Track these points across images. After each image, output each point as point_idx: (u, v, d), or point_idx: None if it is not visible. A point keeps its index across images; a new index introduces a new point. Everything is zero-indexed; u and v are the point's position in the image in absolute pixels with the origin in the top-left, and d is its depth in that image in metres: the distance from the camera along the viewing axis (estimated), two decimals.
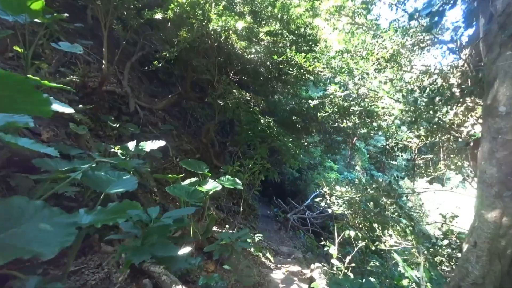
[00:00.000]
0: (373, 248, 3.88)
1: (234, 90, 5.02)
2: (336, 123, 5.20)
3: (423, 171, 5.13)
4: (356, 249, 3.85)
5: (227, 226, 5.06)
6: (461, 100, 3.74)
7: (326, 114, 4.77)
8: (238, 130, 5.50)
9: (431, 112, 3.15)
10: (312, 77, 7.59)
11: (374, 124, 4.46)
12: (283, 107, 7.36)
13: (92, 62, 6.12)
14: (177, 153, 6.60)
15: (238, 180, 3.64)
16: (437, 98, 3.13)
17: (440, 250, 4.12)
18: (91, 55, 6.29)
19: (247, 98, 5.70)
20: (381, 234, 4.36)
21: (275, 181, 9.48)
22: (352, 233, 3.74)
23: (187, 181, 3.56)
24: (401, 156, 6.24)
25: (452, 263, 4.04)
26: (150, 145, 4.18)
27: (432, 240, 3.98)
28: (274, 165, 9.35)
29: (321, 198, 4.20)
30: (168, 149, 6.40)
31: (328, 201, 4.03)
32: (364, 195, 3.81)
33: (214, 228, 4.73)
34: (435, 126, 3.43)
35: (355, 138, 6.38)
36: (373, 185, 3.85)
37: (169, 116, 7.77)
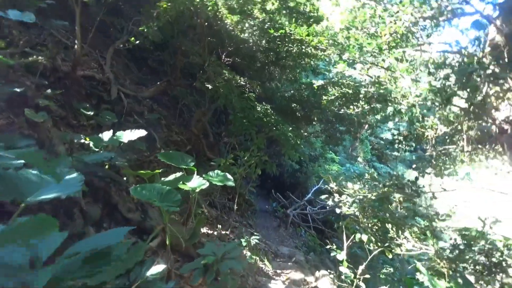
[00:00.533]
0: (390, 256, 3.34)
1: (225, 71, 4.37)
2: (342, 110, 4.59)
3: (440, 164, 4.55)
4: (370, 257, 3.32)
5: (219, 226, 4.53)
6: (494, 79, 3.13)
7: (333, 97, 4.15)
8: (232, 118, 4.91)
9: (469, 90, 2.54)
10: (312, 62, 6.92)
11: (390, 108, 3.86)
12: (281, 94, 6.72)
13: (70, 46, 5.45)
14: (165, 145, 6.01)
15: (229, 176, 3.06)
16: (474, 75, 2.52)
17: (463, 255, 3.59)
18: (70, 39, 5.62)
19: (242, 83, 5.06)
20: (395, 236, 3.83)
21: (274, 173, 8.92)
22: (365, 237, 3.20)
23: (171, 177, 3.00)
24: (409, 147, 5.64)
25: (476, 269, 3.52)
26: (128, 135, 3.61)
27: (457, 244, 3.44)
28: (272, 157, 8.77)
29: (327, 196, 3.65)
30: (156, 140, 5.81)
31: (336, 199, 3.48)
32: (382, 193, 3.25)
33: (205, 230, 4.20)
34: (469, 110, 2.83)
35: (366, 126, 5.80)
36: (394, 182, 3.28)
37: (158, 105, 7.11)
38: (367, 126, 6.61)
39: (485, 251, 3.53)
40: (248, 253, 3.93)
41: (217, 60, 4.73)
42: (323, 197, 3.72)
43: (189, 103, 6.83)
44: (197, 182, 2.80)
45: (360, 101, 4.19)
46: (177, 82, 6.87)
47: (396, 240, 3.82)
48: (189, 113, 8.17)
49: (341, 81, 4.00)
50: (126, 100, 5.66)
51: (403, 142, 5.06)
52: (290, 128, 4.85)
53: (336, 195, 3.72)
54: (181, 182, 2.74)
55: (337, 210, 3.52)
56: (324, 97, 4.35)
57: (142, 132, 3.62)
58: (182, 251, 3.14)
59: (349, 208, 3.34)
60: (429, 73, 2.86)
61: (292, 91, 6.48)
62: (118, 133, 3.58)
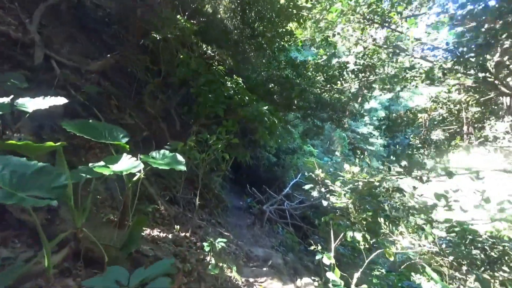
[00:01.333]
0: (392, 258, 2.70)
1: (179, 17, 3.41)
2: (325, 92, 3.91)
3: (432, 149, 4.05)
4: (368, 260, 2.65)
5: (178, 226, 3.59)
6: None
7: (319, 60, 3.43)
8: (193, 91, 3.97)
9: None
10: (292, 40, 6.20)
11: (391, 71, 3.20)
12: (258, 73, 5.89)
13: None
14: None
15: (179, 158, 2.16)
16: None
17: (458, 250, 3.11)
18: None
19: (209, 52, 4.13)
20: (388, 232, 3.23)
21: (249, 166, 8.09)
22: (359, 236, 2.52)
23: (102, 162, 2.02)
24: (398, 132, 5.16)
25: (477, 264, 3.08)
26: (37, 103, 2.55)
27: (456, 239, 2.92)
28: (247, 148, 7.95)
29: (311, 186, 2.93)
30: (100, 120, 4.67)
31: (323, 190, 2.77)
32: (383, 178, 2.59)
33: (156, 232, 3.24)
34: (485, 75, 2.25)
35: (348, 112, 5.22)
36: (401, 161, 2.63)
37: (111, 84, 5.89)
38: (348, 113, 6.08)
39: (485, 245, 3.08)
40: (212, 260, 3.07)
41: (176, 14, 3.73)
42: (307, 187, 2.98)
43: (146, 80, 5.69)
44: (127, 164, 1.86)
45: (350, 74, 3.52)
46: (134, 56, 5.71)
47: (390, 236, 3.23)
48: (150, 96, 7.00)
49: (330, 39, 3.29)
50: (59, 70, 4.43)
51: (392, 127, 4.51)
52: (266, 107, 4.04)
53: (322, 185, 3.00)
54: (101, 165, 1.79)
55: (324, 203, 2.80)
56: (310, 58, 3.61)
57: (59, 100, 2.57)
58: (111, 265, 2.18)
59: (339, 199, 2.64)
60: (451, 19, 2.23)
61: (269, 70, 5.67)
62: (20, 100, 2.52)
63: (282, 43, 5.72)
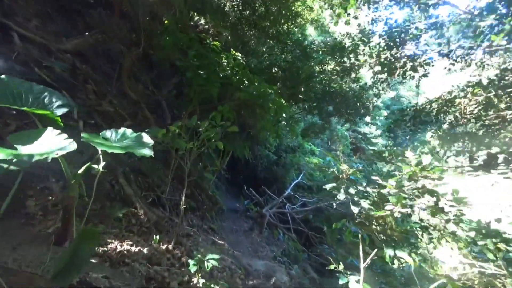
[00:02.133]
0: None
1: None
2: (349, 63, 3.19)
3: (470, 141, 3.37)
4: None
5: (157, 236, 2.82)
6: None
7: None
8: (181, 65, 3.22)
9: None
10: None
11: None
12: (259, 61, 5.16)
13: None
14: (88, 116, 4.14)
15: (147, 139, 1.41)
16: None
17: None
18: None
19: (202, 23, 3.41)
20: (422, 245, 2.51)
21: (247, 165, 7.36)
22: (404, 255, 1.79)
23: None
24: (424, 124, 4.41)
25: None
26: None
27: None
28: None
29: (334, 185, 2.20)
30: (72, 109, 3.91)
31: (353, 192, 2.04)
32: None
33: (127, 245, 2.47)
34: None
35: (367, 103, 4.45)
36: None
37: (89, 67, 5.11)
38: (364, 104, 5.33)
39: None
40: (200, 283, 2.32)
41: None
42: (328, 186, 2.25)
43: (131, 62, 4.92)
44: (49, 144, 1.10)
45: (374, 48, 2.82)
46: (116, 35, 4.94)
47: (429, 252, 2.52)
48: (137, 82, 6.22)
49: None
50: (20, 43, 3.68)
51: (418, 118, 3.77)
52: (271, 92, 3.30)
53: (348, 186, 2.27)
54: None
55: (354, 210, 2.07)
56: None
57: None
58: None
59: (376, 204, 1.91)
60: None
61: (273, 53, 4.95)
62: None
63: (286, 26, 5.01)
